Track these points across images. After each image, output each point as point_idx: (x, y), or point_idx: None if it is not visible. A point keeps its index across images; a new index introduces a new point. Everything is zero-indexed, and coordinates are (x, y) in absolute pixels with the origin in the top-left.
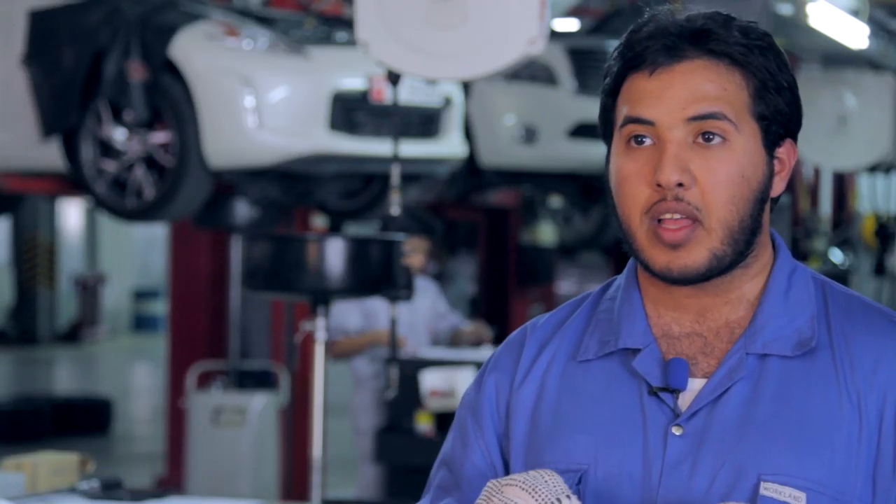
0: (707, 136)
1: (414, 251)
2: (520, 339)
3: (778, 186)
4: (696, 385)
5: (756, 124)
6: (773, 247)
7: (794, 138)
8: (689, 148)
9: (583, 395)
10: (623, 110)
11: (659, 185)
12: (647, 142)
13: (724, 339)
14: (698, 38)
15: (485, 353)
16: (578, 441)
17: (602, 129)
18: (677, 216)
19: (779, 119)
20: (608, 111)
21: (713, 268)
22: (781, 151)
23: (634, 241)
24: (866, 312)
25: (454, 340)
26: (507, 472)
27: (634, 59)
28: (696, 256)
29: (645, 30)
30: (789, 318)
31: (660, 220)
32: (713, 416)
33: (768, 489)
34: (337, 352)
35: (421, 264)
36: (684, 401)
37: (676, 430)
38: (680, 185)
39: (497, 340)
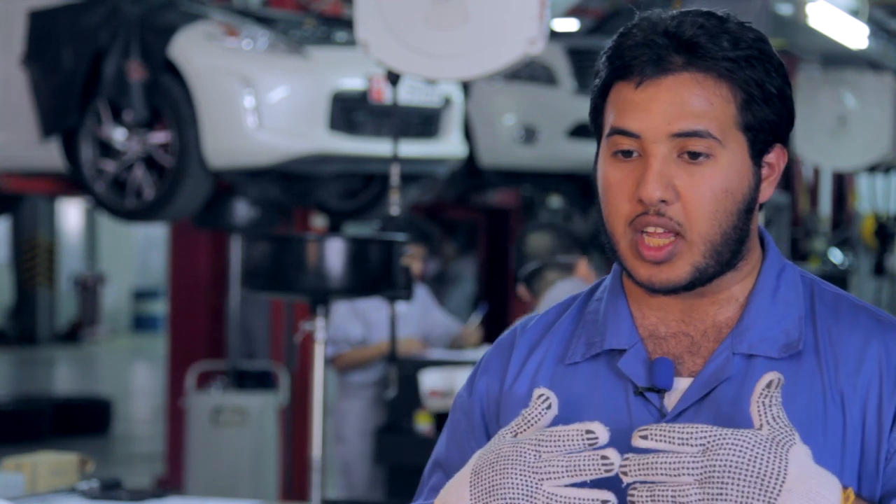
0: (691, 154)
1: (410, 257)
2: (509, 340)
3: (766, 192)
4: (682, 384)
5: (742, 136)
6: (763, 245)
7: (785, 142)
8: (674, 163)
9: (571, 398)
10: (610, 117)
11: (641, 200)
12: (633, 155)
13: (711, 338)
14: (686, 51)
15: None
16: None
17: (592, 127)
18: (660, 230)
19: (766, 128)
20: (598, 111)
21: (695, 280)
22: (770, 157)
23: (618, 249)
24: (852, 311)
25: (455, 345)
26: None
27: (622, 69)
28: (679, 271)
29: (634, 36)
30: (776, 319)
31: (643, 232)
32: (699, 415)
33: None
34: (344, 363)
35: (418, 271)
36: (671, 400)
37: None
38: (663, 200)
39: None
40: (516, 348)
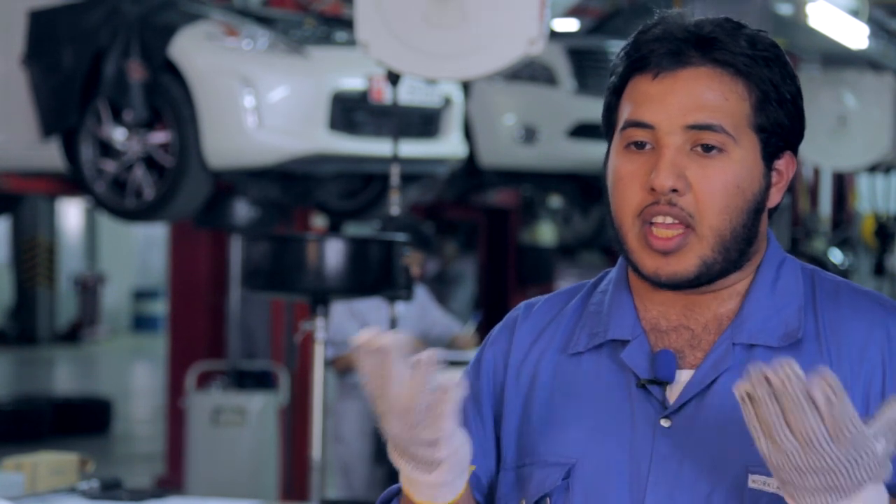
0: (704, 146)
1: (409, 258)
2: (514, 317)
3: (774, 198)
4: (684, 377)
5: (755, 136)
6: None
7: (795, 151)
8: (687, 155)
9: (573, 388)
10: (625, 111)
11: (653, 189)
12: (647, 147)
13: (711, 331)
14: (704, 46)
15: None
16: (569, 435)
17: (604, 126)
18: (669, 220)
19: (778, 131)
20: (612, 109)
21: (702, 275)
22: (780, 163)
23: (625, 242)
24: (853, 297)
25: (452, 346)
26: (499, 455)
27: (640, 61)
28: (686, 264)
29: (653, 32)
30: (776, 309)
31: (651, 224)
32: (701, 407)
33: (756, 481)
34: (345, 365)
35: (417, 274)
36: (672, 393)
37: (665, 423)
38: (674, 190)
39: None
40: (521, 328)
